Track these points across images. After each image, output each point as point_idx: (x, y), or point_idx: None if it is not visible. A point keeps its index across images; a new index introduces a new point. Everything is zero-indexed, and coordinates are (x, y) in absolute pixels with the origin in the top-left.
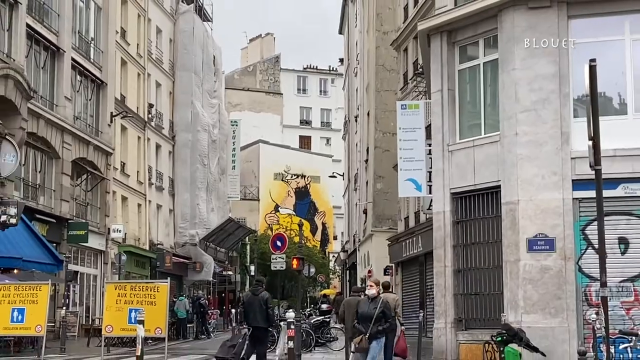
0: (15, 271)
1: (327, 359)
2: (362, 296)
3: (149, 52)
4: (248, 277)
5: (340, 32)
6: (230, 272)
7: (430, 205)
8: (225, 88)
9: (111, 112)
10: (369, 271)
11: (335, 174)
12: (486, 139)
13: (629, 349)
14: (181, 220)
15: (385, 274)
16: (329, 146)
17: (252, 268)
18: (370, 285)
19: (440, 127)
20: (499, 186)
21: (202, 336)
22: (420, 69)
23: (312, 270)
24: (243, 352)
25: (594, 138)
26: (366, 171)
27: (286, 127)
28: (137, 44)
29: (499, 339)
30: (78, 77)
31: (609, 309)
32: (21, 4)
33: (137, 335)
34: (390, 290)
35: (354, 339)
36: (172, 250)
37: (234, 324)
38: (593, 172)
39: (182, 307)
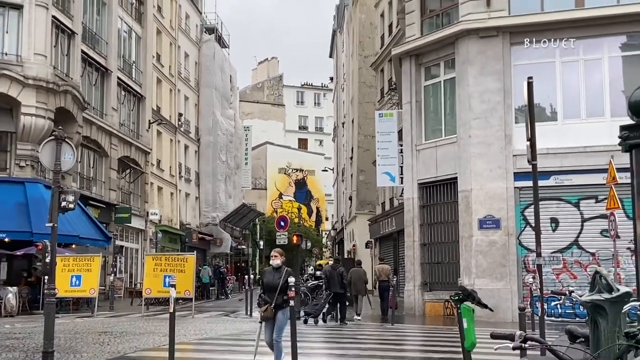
0: (73, 246)
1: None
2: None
3: (179, 72)
4: (258, 250)
5: (331, 56)
6: (243, 246)
7: (402, 193)
8: (239, 100)
9: (149, 120)
10: (354, 245)
11: (326, 169)
12: (446, 141)
13: (558, 306)
14: (205, 205)
15: (366, 247)
16: (322, 146)
17: (261, 243)
18: (275, 256)
19: (410, 131)
20: (456, 177)
21: (222, 297)
22: (394, 85)
23: (309, 244)
24: (325, 309)
25: (531, 139)
26: (351, 166)
27: (288, 131)
28: (169, 66)
29: (456, 298)
30: (122, 92)
31: (542, 274)
32: (77, 34)
33: (170, 296)
34: (382, 261)
35: (262, 307)
36: (197, 229)
37: (246, 287)
38: (530, 166)
39: (205, 274)
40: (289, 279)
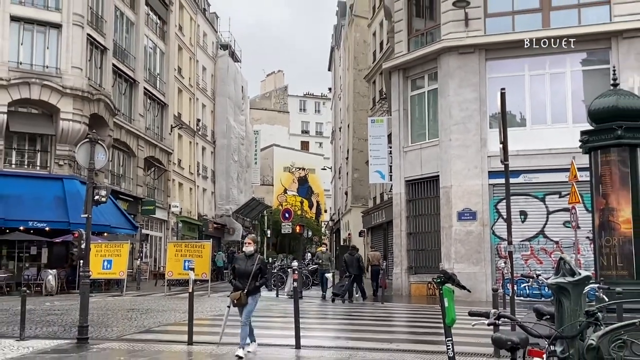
0: (105, 234)
1: (319, 294)
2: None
3: (197, 83)
4: (265, 238)
5: (329, 70)
6: (253, 235)
7: (391, 189)
8: (250, 108)
9: (171, 125)
10: (349, 234)
11: (325, 168)
12: (429, 143)
13: (526, 287)
14: (219, 199)
15: (359, 236)
16: (321, 148)
17: (268, 232)
18: (248, 243)
19: (398, 135)
20: (438, 175)
21: None
22: (384, 95)
23: (310, 233)
24: (352, 290)
25: (503, 142)
26: (347, 165)
27: (292, 135)
28: (189, 78)
29: (438, 280)
30: (148, 100)
31: (513, 260)
32: (109, 49)
33: (189, 278)
34: (374, 249)
35: (232, 294)
36: (213, 219)
37: None
38: (503, 166)
39: (220, 259)
40: (287, 263)
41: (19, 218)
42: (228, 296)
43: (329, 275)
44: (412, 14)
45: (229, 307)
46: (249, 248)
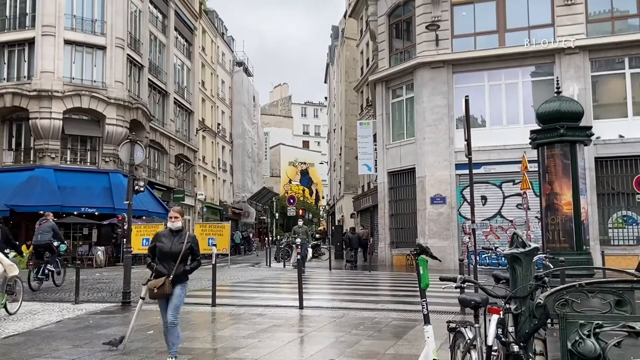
0: (143, 217)
1: (319, 265)
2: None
3: (217, 94)
4: (274, 220)
5: (325, 82)
6: (264, 217)
7: (376, 179)
8: (261, 114)
9: (197, 128)
10: (342, 216)
11: (322, 162)
12: (407, 141)
13: (486, 257)
14: (236, 188)
15: (351, 217)
16: (319, 146)
17: (277, 215)
18: (175, 217)
19: (382, 134)
20: (415, 167)
21: (249, 253)
22: (370, 102)
23: (310, 215)
24: (354, 258)
25: (467, 140)
26: (340, 160)
27: (295, 135)
28: (211, 89)
29: (415, 252)
30: (177, 108)
31: (475, 236)
32: (145, 67)
33: (212, 252)
34: (363, 227)
35: (150, 281)
36: (231, 205)
37: (266, 246)
38: (467, 159)
39: (237, 237)
40: (292, 240)
41: (73, 205)
42: (144, 284)
43: (309, 249)
44: (393, 35)
45: (142, 298)
46: (177, 223)
